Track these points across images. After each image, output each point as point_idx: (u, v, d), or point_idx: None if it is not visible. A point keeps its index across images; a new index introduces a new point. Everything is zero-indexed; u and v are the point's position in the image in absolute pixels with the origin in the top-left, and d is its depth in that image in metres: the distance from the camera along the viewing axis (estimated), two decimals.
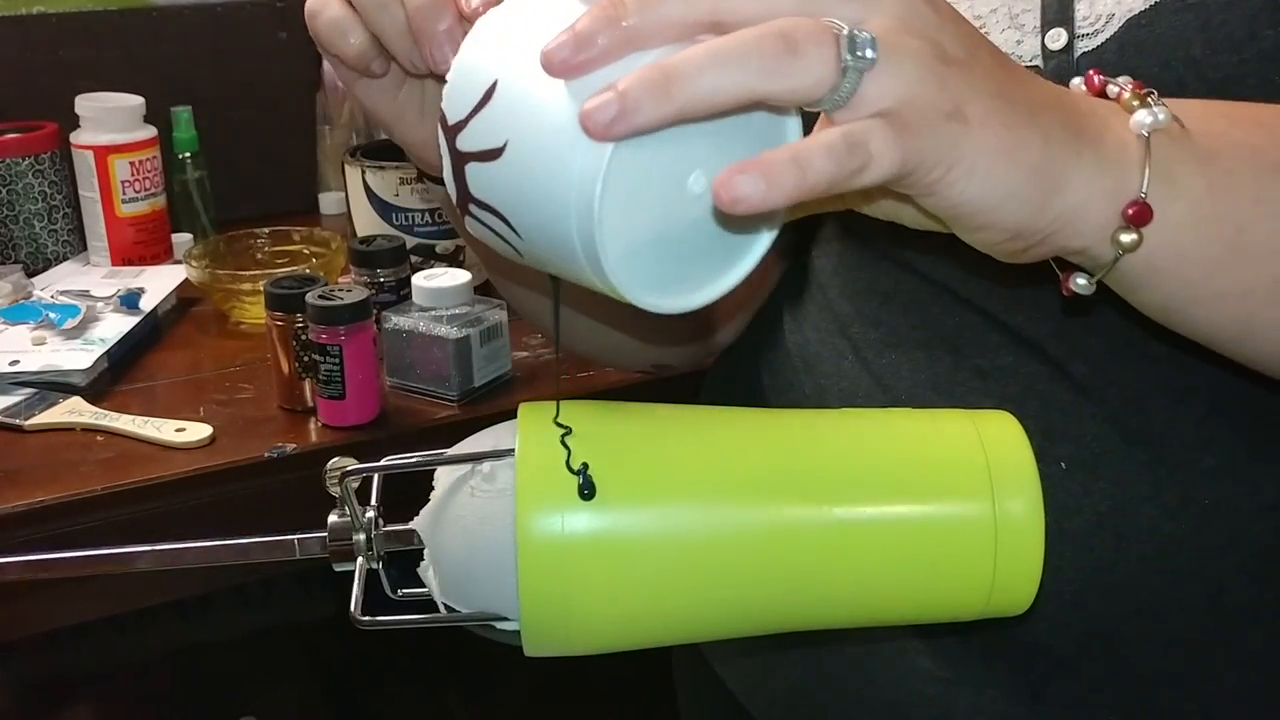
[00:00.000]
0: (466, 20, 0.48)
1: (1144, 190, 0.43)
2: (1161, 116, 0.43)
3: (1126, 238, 0.43)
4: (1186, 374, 0.55)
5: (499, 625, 0.49)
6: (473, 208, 0.43)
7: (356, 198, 1.27)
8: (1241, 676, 0.57)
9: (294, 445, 1.00)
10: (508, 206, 0.41)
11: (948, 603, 0.49)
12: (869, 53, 0.38)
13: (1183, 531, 0.55)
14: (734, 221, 0.42)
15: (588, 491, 0.45)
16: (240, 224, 1.38)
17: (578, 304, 0.67)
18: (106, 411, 1.03)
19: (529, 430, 0.47)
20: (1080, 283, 0.46)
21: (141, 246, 1.36)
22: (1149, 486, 0.55)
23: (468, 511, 0.49)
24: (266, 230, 1.34)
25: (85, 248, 1.37)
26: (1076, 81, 0.47)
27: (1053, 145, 0.41)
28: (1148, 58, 0.52)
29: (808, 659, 0.65)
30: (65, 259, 1.36)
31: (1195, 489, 0.55)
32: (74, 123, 1.34)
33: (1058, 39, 0.55)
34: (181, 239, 1.41)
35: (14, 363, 1.08)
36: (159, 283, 1.26)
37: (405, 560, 0.52)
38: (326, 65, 1.62)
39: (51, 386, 1.07)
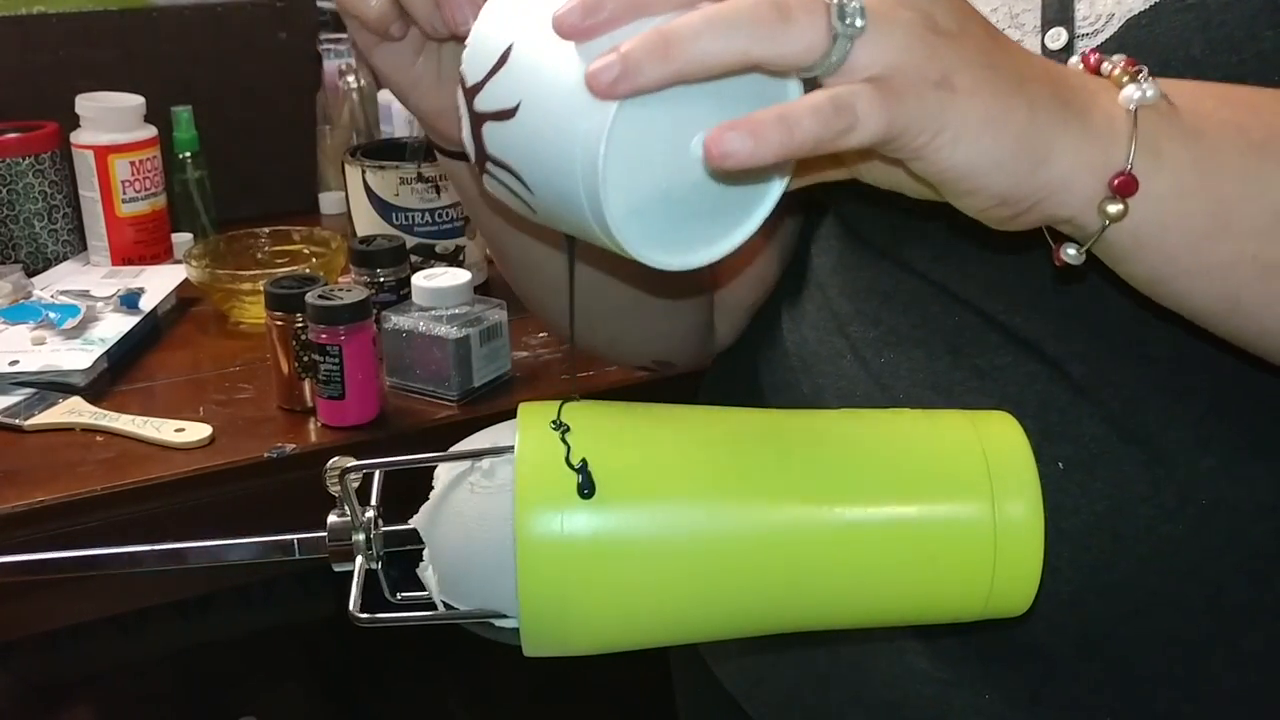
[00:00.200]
0: None
1: (1130, 162, 0.44)
2: (1150, 93, 0.45)
3: (1112, 208, 0.44)
4: (1185, 375, 0.55)
5: (498, 623, 0.49)
6: (489, 166, 0.45)
7: (356, 198, 1.27)
8: (1240, 677, 0.57)
9: (294, 445, 1.00)
10: (521, 164, 0.44)
11: (947, 604, 0.49)
12: (858, 21, 0.40)
13: (1180, 532, 0.55)
14: (735, 183, 0.44)
15: (587, 491, 0.45)
16: (240, 224, 1.38)
17: (591, 293, 0.67)
18: (106, 411, 1.03)
19: (528, 428, 0.47)
20: (1070, 253, 0.47)
21: (141, 246, 1.36)
22: (1147, 487, 0.55)
23: (467, 508, 0.49)
24: (266, 230, 1.34)
25: (85, 248, 1.37)
26: (1074, 60, 0.49)
27: (1039, 115, 0.43)
28: (1147, 58, 0.53)
29: (805, 659, 0.65)
30: (65, 259, 1.36)
31: (1193, 489, 0.55)
32: (74, 123, 1.34)
33: (1058, 38, 0.55)
34: (181, 239, 1.41)
35: (14, 363, 1.08)
36: (159, 283, 1.26)
37: (405, 562, 0.52)
38: (327, 65, 1.62)
39: (51, 386, 1.07)
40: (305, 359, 1.02)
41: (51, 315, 1.15)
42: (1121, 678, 0.58)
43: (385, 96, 1.59)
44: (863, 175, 0.49)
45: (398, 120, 1.54)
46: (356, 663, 1.68)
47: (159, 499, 0.95)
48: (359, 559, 0.52)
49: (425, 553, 0.51)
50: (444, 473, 0.50)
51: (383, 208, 1.25)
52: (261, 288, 1.07)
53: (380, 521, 0.52)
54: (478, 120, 0.45)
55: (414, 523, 0.50)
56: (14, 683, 1.53)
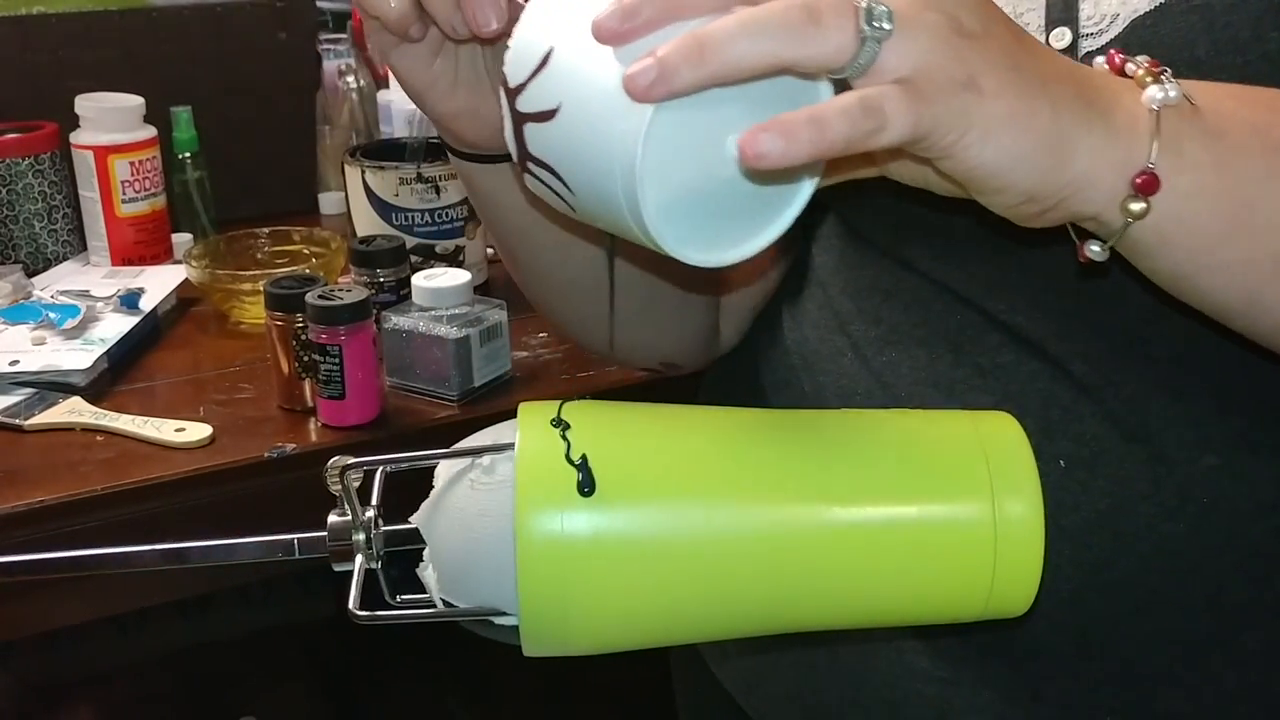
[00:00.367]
0: None
1: (1152, 160, 0.45)
2: (1173, 93, 0.45)
3: (1135, 205, 0.45)
4: (1186, 374, 0.55)
5: (498, 621, 0.49)
6: (531, 165, 0.47)
7: (356, 198, 1.27)
8: (1240, 676, 0.57)
9: (294, 445, 1.00)
10: (562, 164, 0.45)
11: (947, 604, 0.49)
12: (885, 24, 0.41)
13: (1181, 530, 0.55)
14: (768, 182, 0.45)
15: (588, 489, 0.45)
16: (240, 224, 1.38)
17: (600, 295, 0.67)
18: (106, 411, 1.03)
19: (529, 426, 0.47)
20: (1094, 249, 0.47)
21: (141, 246, 1.36)
22: (1148, 485, 0.55)
23: (467, 504, 0.49)
24: (266, 230, 1.34)
25: (85, 248, 1.37)
26: (1099, 60, 0.49)
27: (1062, 114, 0.44)
28: (1152, 58, 0.53)
29: (805, 659, 0.65)
30: (65, 259, 1.36)
31: (1193, 488, 0.55)
32: (74, 123, 1.34)
33: (1062, 38, 0.56)
34: (181, 239, 1.41)
35: (14, 363, 1.08)
36: (159, 283, 1.26)
37: (405, 563, 0.52)
38: (326, 65, 1.62)
39: (51, 386, 1.07)
40: (305, 359, 1.02)
41: (51, 315, 1.15)
42: (1122, 676, 0.58)
43: (385, 96, 1.59)
44: (892, 173, 0.50)
45: (398, 120, 1.54)
46: (356, 663, 1.68)
47: (159, 499, 0.95)
48: (359, 557, 0.52)
49: (425, 552, 0.51)
50: (444, 470, 0.50)
51: (382, 208, 1.25)
52: (261, 288, 1.06)
53: (380, 521, 0.52)
54: (520, 120, 0.46)
55: (414, 520, 0.50)
56: (14, 683, 1.53)
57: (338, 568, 0.53)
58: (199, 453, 0.99)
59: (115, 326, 1.16)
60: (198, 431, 0.99)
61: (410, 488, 0.52)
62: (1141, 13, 0.54)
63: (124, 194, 1.33)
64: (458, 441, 0.51)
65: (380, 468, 0.53)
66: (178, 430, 1.00)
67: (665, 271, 0.67)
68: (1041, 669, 0.58)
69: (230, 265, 1.27)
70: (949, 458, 0.48)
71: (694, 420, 0.50)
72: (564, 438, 0.46)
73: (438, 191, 1.24)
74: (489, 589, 0.49)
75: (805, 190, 0.46)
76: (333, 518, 0.52)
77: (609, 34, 0.42)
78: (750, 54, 0.40)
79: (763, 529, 0.46)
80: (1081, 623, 0.57)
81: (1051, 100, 0.43)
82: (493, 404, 1.07)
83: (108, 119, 1.33)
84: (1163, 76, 0.46)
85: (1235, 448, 0.55)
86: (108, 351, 1.11)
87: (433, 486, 0.51)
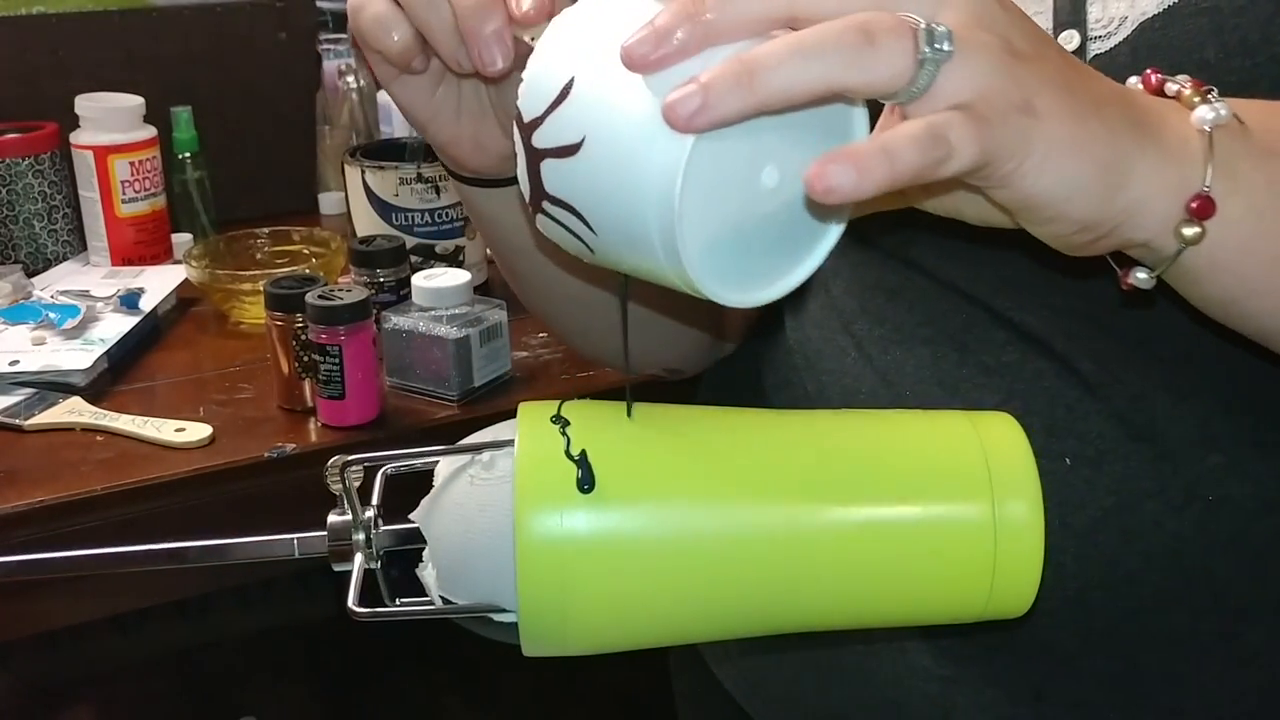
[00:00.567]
0: (516, 23, 0.49)
1: (1207, 183, 0.43)
2: (1223, 112, 0.44)
3: (1189, 230, 0.43)
4: (1192, 372, 0.55)
5: (497, 618, 0.49)
6: (547, 205, 0.43)
7: (356, 198, 1.27)
8: (1244, 673, 0.57)
9: (294, 445, 1.00)
10: (584, 202, 0.42)
11: (947, 605, 0.49)
12: (946, 45, 0.39)
13: (1186, 528, 0.55)
14: (804, 216, 0.43)
15: (587, 486, 0.45)
16: (240, 224, 1.38)
17: (604, 308, 0.67)
18: (106, 411, 1.03)
19: (529, 423, 0.47)
20: (1141, 276, 0.46)
21: (141, 246, 1.36)
22: (1153, 483, 0.56)
23: (467, 499, 0.49)
24: (266, 230, 1.34)
25: (85, 248, 1.37)
26: (1133, 80, 0.48)
27: (1118, 138, 0.42)
28: (1161, 61, 0.53)
29: (806, 658, 0.65)
30: (65, 259, 1.36)
31: (1199, 486, 0.55)
32: (74, 123, 1.34)
33: (1070, 40, 0.55)
34: (181, 239, 1.41)
35: (14, 363, 1.08)
36: (159, 283, 1.26)
37: (405, 564, 0.52)
38: (326, 65, 1.62)
39: (51, 386, 1.07)
40: (305, 359, 1.02)
41: (51, 315, 1.15)
42: (1126, 674, 0.58)
43: (385, 97, 1.59)
44: (922, 204, 0.48)
45: (397, 120, 1.54)
46: (356, 663, 1.68)
47: (159, 499, 0.95)
48: (359, 555, 0.52)
49: (424, 553, 0.51)
50: (444, 468, 0.50)
51: (382, 208, 1.25)
52: (261, 288, 1.07)
53: (380, 521, 0.52)
54: (536, 157, 0.43)
55: (413, 517, 0.50)
56: (14, 683, 1.53)
57: (337, 568, 0.53)
58: (199, 453, 0.99)
59: (115, 326, 1.16)
60: (198, 431, 0.99)
61: (410, 489, 0.52)
62: (1150, 15, 0.53)
63: (124, 194, 1.34)
64: (458, 442, 0.51)
65: (381, 470, 0.53)
66: (178, 430, 1.00)
67: (672, 296, 0.66)
68: (1045, 667, 0.58)
69: (230, 265, 1.27)
70: (949, 458, 0.48)
71: (694, 419, 0.50)
72: (564, 434, 0.46)
73: (438, 191, 1.24)
74: (488, 584, 0.48)
75: (839, 219, 0.44)
76: (333, 517, 0.52)
77: (640, 61, 0.39)
78: (802, 79, 0.38)
79: (762, 529, 0.46)
80: (1086, 620, 0.57)
81: (1106, 123, 0.42)
82: (493, 404, 1.07)
83: (108, 119, 1.33)
84: (1209, 95, 0.45)
85: (1241, 446, 0.55)
86: (108, 351, 1.11)
87: (433, 487, 0.51)
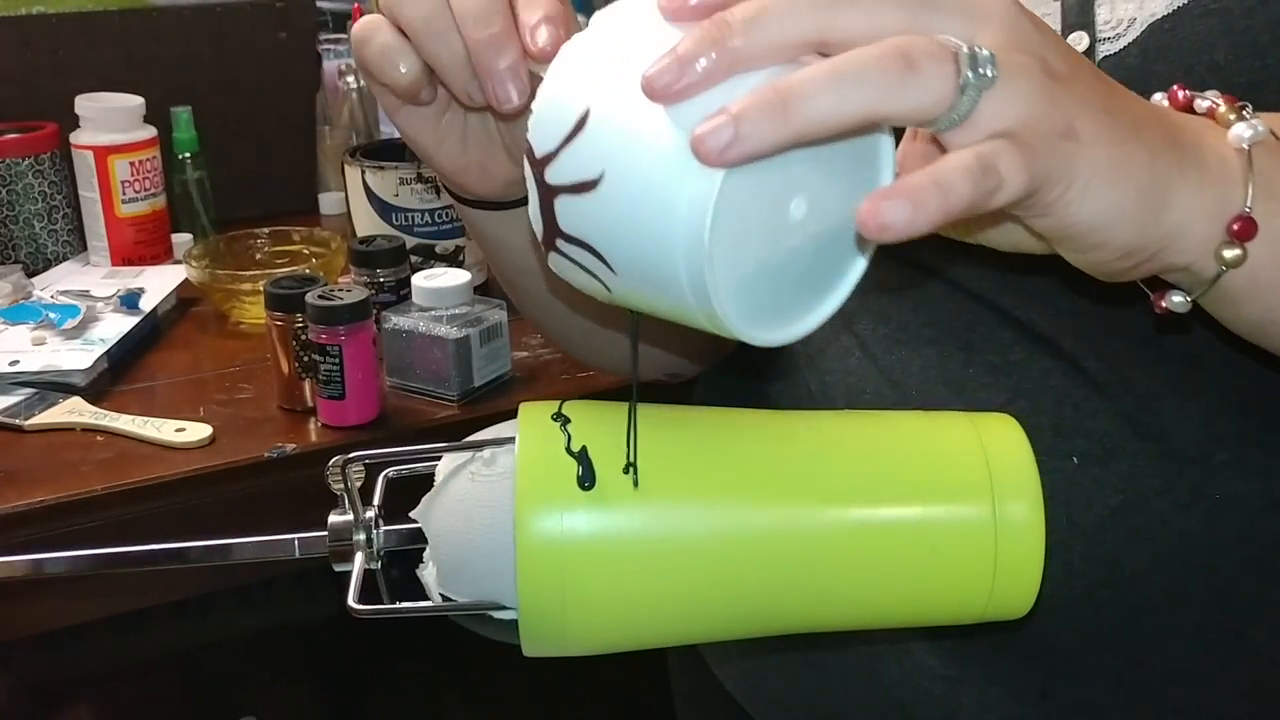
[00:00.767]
0: (532, 57, 0.47)
1: (1248, 204, 0.42)
2: (1260, 129, 0.43)
3: (1230, 253, 0.42)
4: (1199, 371, 0.55)
5: (496, 615, 0.49)
6: (561, 243, 0.41)
7: (356, 198, 1.27)
8: (1250, 672, 0.58)
9: (294, 445, 1.00)
10: (603, 240, 0.40)
11: (947, 606, 0.49)
12: (989, 71, 0.37)
13: (1193, 527, 0.56)
14: (831, 247, 0.42)
15: (588, 482, 0.45)
16: (240, 224, 1.38)
17: (600, 318, 0.66)
18: (106, 411, 1.03)
19: (529, 421, 0.47)
20: (1176, 300, 0.45)
21: (141, 246, 1.36)
22: (1160, 481, 0.56)
23: (467, 495, 0.49)
24: (266, 230, 1.34)
25: (85, 248, 1.37)
26: (1158, 97, 0.47)
27: (1158, 161, 0.41)
28: (1171, 62, 0.52)
29: (809, 658, 0.65)
30: (65, 259, 1.36)
31: (1206, 484, 0.55)
32: (74, 123, 1.34)
33: (1079, 42, 0.55)
34: (181, 239, 1.41)
35: (14, 363, 1.08)
36: (159, 283, 1.26)
37: (405, 566, 0.52)
38: (326, 65, 1.62)
39: (51, 386, 1.07)
40: (305, 359, 1.02)
41: (51, 315, 1.15)
42: (1131, 672, 0.58)
43: None
44: (951, 234, 0.47)
45: None
46: (356, 663, 1.68)
47: (159, 499, 0.95)
48: (359, 554, 0.52)
49: (425, 553, 0.51)
50: (445, 465, 0.51)
51: (382, 208, 1.25)
52: (261, 288, 1.07)
53: (381, 521, 0.52)
54: (549, 194, 0.40)
55: (414, 514, 0.50)
56: (14, 683, 1.53)
57: (338, 568, 0.53)
58: (199, 453, 0.99)
59: (115, 326, 1.16)
60: (198, 431, 1.00)
61: (411, 491, 0.52)
62: (1159, 17, 0.53)
63: (124, 194, 1.34)
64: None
65: (383, 474, 0.53)
66: (178, 430, 1.00)
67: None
68: (1051, 666, 0.58)
69: (230, 265, 1.27)
70: (949, 459, 0.48)
71: (694, 419, 0.50)
72: (564, 430, 0.46)
73: (438, 192, 1.24)
74: (488, 581, 0.48)
75: (866, 253, 0.43)
76: (333, 517, 0.52)
77: (662, 91, 0.37)
78: (840, 108, 0.36)
79: (762, 528, 0.46)
80: (1092, 619, 0.57)
81: (1147, 145, 0.41)
82: (493, 404, 1.07)
83: (108, 119, 1.33)
84: (1244, 111, 0.44)
85: (1248, 444, 0.55)
86: (108, 351, 1.12)
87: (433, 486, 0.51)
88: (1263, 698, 0.58)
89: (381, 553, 0.52)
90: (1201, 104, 0.45)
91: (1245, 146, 0.43)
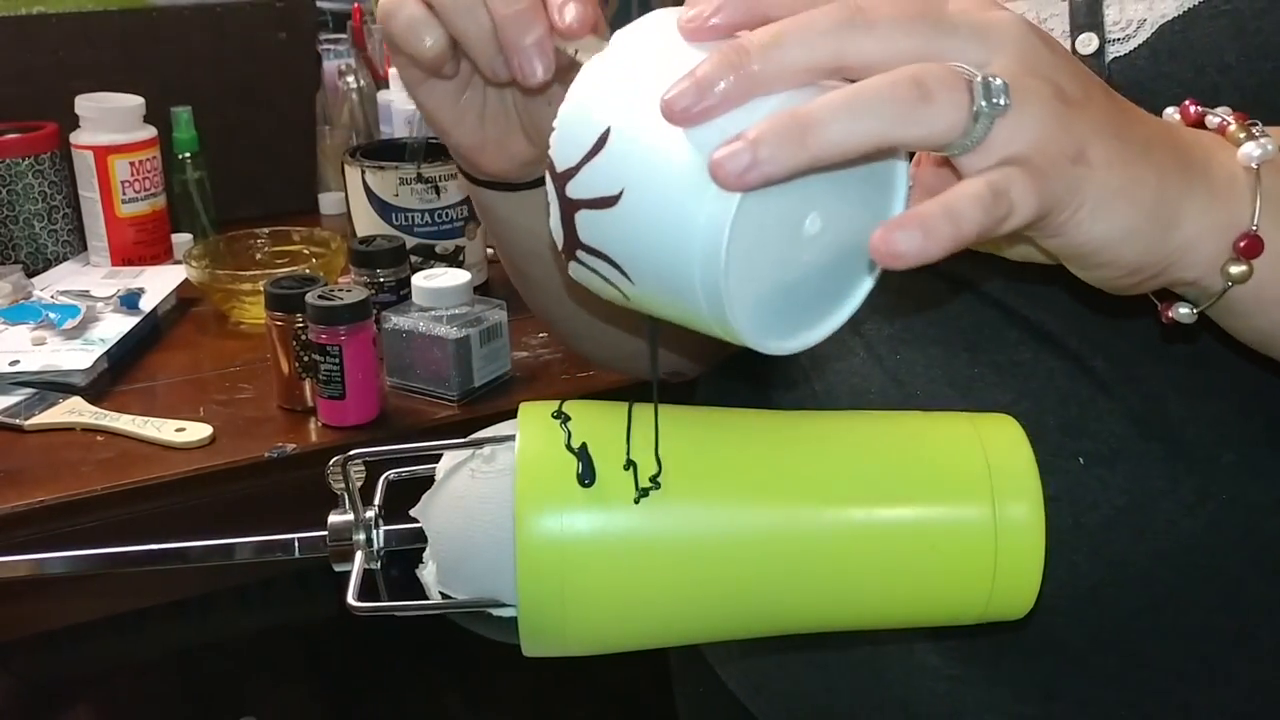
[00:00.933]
0: (558, 34, 0.47)
1: (1255, 223, 0.43)
2: (1270, 148, 0.44)
3: (1236, 269, 0.43)
4: (1205, 371, 0.55)
5: (496, 612, 0.49)
6: (581, 254, 0.42)
7: (356, 198, 1.27)
8: (1256, 671, 0.58)
9: (294, 445, 1.00)
10: (622, 254, 0.41)
11: (947, 606, 0.49)
12: (1002, 100, 0.38)
13: (1199, 527, 0.56)
14: (844, 260, 0.43)
15: (588, 479, 0.45)
16: (240, 224, 1.38)
17: (605, 316, 0.66)
18: (106, 411, 1.03)
19: (530, 419, 0.47)
20: (1183, 311, 0.46)
21: (141, 246, 1.36)
22: (1166, 482, 0.56)
23: (468, 492, 0.49)
24: (266, 230, 1.34)
25: (85, 248, 1.37)
26: (1170, 111, 0.47)
27: (1167, 181, 0.42)
28: (1181, 64, 0.52)
29: (812, 658, 0.65)
30: (65, 259, 1.36)
31: (1212, 485, 0.55)
32: (74, 123, 1.34)
33: (1089, 44, 0.55)
34: (181, 239, 1.41)
35: (14, 363, 1.08)
36: (159, 283, 1.26)
37: (405, 567, 0.52)
38: (326, 65, 1.62)
39: (51, 386, 1.07)
40: (305, 359, 1.02)
41: (51, 315, 1.15)
42: (1136, 672, 0.58)
43: (385, 96, 1.59)
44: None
45: (397, 120, 1.54)
46: (356, 663, 1.68)
47: (159, 499, 0.95)
48: (359, 552, 0.52)
49: (425, 553, 0.51)
50: (445, 463, 0.51)
51: (382, 208, 1.25)
52: (261, 288, 1.07)
53: (381, 520, 0.52)
54: (570, 207, 0.42)
55: (414, 512, 0.50)
56: (14, 683, 1.53)
57: (338, 568, 0.53)
58: (199, 453, 0.99)
59: (115, 326, 1.16)
60: (198, 431, 0.99)
61: (411, 492, 0.52)
62: (1170, 18, 0.53)
63: (124, 194, 1.34)
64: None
65: (383, 477, 0.53)
66: (178, 430, 1.00)
67: (634, 327, 0.65)
68: (1055, 665, 0.58)
69: (230, 265, 1.27)
70: (949, 460, 0.48)
71: (693, 419, 0.49)
72: (564, 428, 0.46)
73: (438, 191, 1.24)
74: (488, 578, 0.48)
75: (875, 269, 0.44)
76: (333, 517, 0.52)
77: (681, 114, 0.38)
78: (856, 135, 0.37)
79: (763, 528, 0.46)
80: (1097, 619, 0.57)
81: (1156, 167, 0.42)
82: (493, 404, 1.07)
83: (108, 119, 1.33)
84: (1253, 129, 0.44)
85: (1254, 445, 0.55)
86: (108, 351, 1.11)
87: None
88: (1268, 697, 0.58)
89: (381, 552, 0.52)
90: (1212, 120, 0.46)
91: (1254, 165, 0.43)
